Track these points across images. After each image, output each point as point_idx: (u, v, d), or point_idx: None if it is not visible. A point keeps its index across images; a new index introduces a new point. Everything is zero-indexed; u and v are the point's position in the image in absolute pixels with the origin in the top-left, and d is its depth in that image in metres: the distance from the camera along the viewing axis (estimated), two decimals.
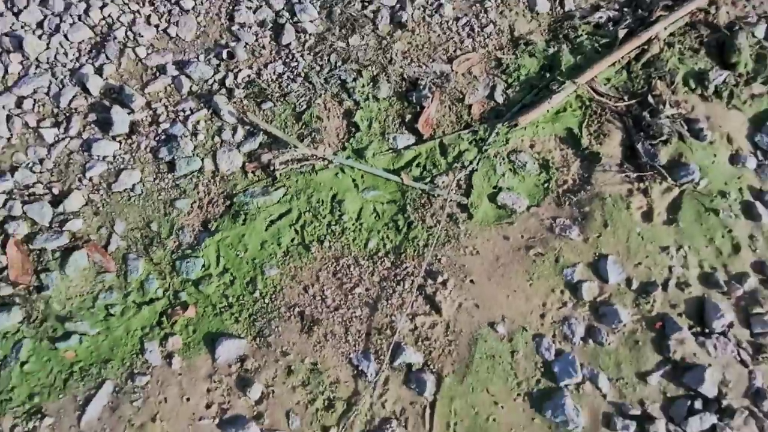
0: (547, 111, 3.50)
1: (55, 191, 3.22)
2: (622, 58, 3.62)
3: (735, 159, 3.43)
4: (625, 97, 3.58)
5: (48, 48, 3.51)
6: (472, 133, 3.46)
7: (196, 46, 3.64)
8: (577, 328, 2.98)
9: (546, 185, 3.39)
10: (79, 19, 3.58)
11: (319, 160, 3.34)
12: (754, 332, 2.98)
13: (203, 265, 3.09)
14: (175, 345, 2.91)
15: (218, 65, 3.59)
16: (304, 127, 3.42)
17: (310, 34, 3.69)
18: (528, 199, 3.34)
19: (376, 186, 3.32)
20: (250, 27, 3.70)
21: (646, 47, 3.65)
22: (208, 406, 2.79)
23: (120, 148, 3.35)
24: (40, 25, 3.55)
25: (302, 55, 3.62)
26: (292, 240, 3.18)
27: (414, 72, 3.58)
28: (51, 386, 2.78)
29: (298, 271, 3.11)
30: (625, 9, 3.85)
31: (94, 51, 3.55)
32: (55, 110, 3.40)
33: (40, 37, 3.52)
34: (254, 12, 3.74)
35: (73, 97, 3.42)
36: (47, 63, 3.49)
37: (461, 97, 3.55)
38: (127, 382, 2.82)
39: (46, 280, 2.96)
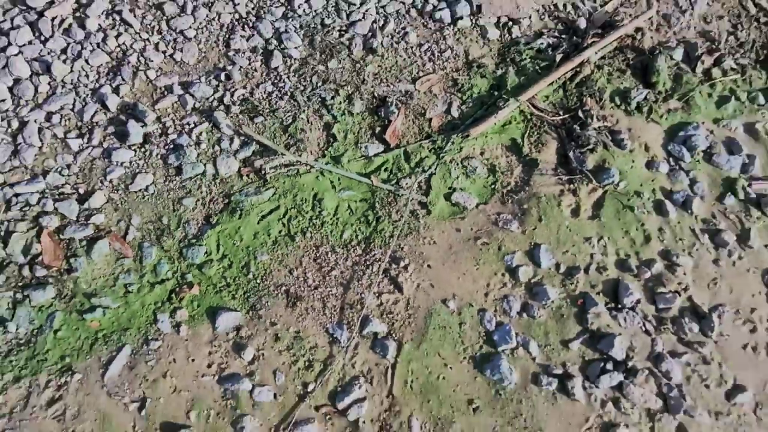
0: (495, 124, 3.59)
1: (81, 191, 3.31)
2: (559, 78, 3.72)
3: (650, 165, 3.52)
4: (560, 112, 3.66)
5: (71, 71, 3.61)
6: (431, 143, 3.56)
7: (198, 69, 3.73)
8: (514, 304, 3.10)
9: (493, 186, 3.48)
10: (98, 47, 3.69)
11: (303, 165, 3.41)
12: (658, 308, 3.10)
13: (206, 252, 3.19)
14: (182, 316, 3.02)
15: (217, 85, 3.66)
16: (290, 137, 3.51)
17: (294, 59, 3.77)
18: (477, 198, 3.43)
19: (351, 187, 3.42)
20: (244, 53, 3.78)
21: (579, 69, 3.75)
22: (209, 366, 2.91)
23: (135, 156, 3.43)
24: (64, 51, 3.66)
25: (288, 77, 3.70)
26: (280, 231, 3.26)
27: (383, 91, 3.66)
28: (79, 349, 2.91)
29: (284, 257, 3.19)
30: (563, 36, 3.94)
31: (111, 73, 3.64)
32: (79, 123, 3.49)
33: (64, 61, 3.62)
34: (247, 40, 3.82)
35: (95, 112, 3.51)
36: (71, 84, 3.59)
37: (423, 112, 3.64)
38: (143, 346, 2.93)
39: (75, 263, 3.08)
